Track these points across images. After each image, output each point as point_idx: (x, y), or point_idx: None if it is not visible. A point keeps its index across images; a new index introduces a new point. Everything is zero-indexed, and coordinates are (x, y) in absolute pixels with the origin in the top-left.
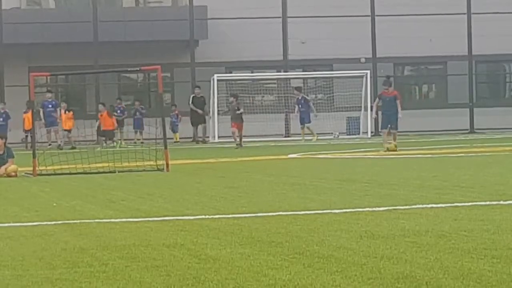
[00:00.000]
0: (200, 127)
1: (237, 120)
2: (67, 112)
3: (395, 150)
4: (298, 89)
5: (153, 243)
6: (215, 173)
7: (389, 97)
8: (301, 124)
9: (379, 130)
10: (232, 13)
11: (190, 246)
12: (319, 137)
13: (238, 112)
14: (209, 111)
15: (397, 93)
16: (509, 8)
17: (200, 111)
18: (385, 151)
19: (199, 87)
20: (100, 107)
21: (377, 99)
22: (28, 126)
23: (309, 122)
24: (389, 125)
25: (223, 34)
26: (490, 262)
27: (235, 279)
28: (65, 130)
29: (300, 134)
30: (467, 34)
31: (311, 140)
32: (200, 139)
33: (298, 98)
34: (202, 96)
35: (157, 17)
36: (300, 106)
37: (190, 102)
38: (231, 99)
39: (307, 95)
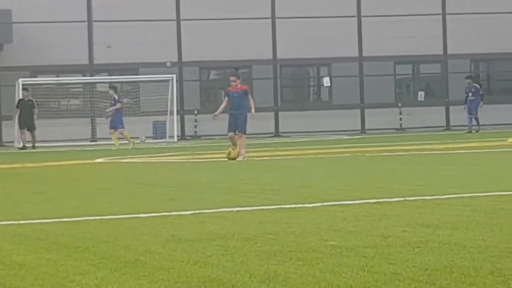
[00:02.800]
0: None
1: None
2: None
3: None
4: (113, 88)
5: None
6: (20, 178)
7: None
8: (112, 128)
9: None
10: (38, 17)
11: None
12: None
13: None
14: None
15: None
16: (312, 12)
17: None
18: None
19: (26, 89)
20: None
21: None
22: None
23: (123, 127)
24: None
25: (29, 37)
26: (295, 265)
27: (41, 285)
28: None
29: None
30: (272, 39)
31: (128, 146)
32: (29, 145)
33: (115, 98)
34: (30, 100)
35: None
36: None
37: (16, 105)
38: None
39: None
